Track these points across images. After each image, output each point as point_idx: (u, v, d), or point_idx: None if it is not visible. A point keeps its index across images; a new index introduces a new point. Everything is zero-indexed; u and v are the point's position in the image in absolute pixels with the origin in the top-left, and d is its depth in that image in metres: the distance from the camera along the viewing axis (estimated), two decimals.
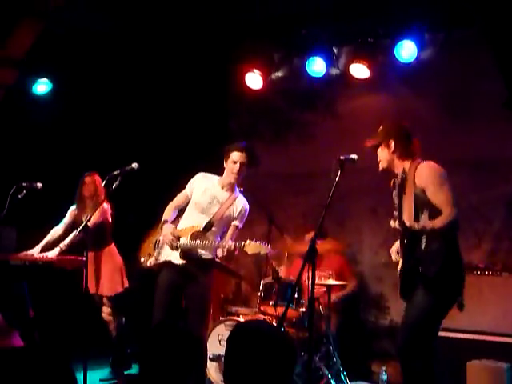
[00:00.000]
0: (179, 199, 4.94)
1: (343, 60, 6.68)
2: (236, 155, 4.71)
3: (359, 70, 6.44)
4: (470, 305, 5.29)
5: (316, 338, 5.44)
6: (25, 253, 5.65)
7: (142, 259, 4.96)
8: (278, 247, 6.31)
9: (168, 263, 4.76)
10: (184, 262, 4.66)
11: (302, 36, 6.57)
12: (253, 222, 7.26)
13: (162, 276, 4.78)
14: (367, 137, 4.27)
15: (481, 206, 6.10)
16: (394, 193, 4.10)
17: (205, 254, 4.71)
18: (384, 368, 5.67)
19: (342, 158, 3.93)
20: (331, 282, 5.64)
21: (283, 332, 4.00)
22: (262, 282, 5.75)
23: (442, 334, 5.27)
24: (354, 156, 3.96)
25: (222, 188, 4.81)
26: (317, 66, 6.66)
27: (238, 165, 4.69)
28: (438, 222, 3.79)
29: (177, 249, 4.66)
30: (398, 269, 4.04)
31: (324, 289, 5.68)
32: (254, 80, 6.97)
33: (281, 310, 5.19)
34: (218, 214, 4.71)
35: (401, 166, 4.06)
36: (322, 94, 6.98)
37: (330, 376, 5.35)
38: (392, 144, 4.06)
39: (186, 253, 4.65)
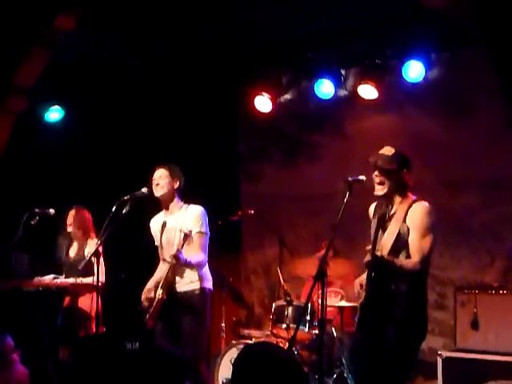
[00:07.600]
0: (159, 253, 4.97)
1: (351, 81, 6.70)
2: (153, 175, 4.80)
3: (367, 91, 6.46)
4: (485, 324, 5.26)
5: (329, 361, 5.38)
6: (38, 278, 5.65)
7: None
8: (288, 269, 6.29)
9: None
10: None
11: (308, 59, 6.60)
12: (264, 244, 7.28)
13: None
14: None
15: (493, 224, 6.06)
16: (374, 221, 3.96)
17: (185, 283, 4.69)
18: None
19: (350, 179, 3.88)
20: (343, 303, 5.59)
21: (291, 354, 3.97)
22: (273, 304, 5.73)
23: (456, 354, 5.24)
24: (362, 177, 3.89)
25: (166, 213, 4.83)
26: (325, 88, 6.69)
27: (155, 181, 4.76)
28: (407, 264, 3.72)
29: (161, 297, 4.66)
30: (360, 302, 3.92)
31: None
32: (263, 103, 7.00)
33: (293, 332, 5.15)
34: (176, 237, 4.71)
35: (391, 199, 3.90)
36: (330, 115, 6.99)
37: None
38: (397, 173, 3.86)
39: (168, 291, 4.64)
